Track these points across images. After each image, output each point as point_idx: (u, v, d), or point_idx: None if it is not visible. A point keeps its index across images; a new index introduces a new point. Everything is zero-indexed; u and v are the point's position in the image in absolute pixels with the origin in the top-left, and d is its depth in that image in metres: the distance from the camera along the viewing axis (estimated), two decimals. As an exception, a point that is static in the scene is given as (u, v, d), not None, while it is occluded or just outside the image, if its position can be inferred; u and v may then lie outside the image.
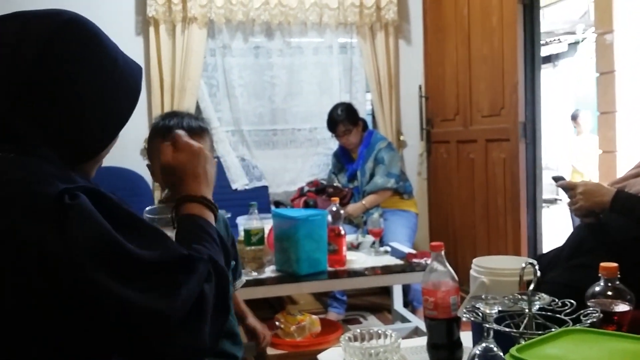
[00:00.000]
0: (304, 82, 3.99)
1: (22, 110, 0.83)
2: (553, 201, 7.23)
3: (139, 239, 0.80)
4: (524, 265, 1.05)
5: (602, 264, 1.06)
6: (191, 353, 0.81)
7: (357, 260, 2.53)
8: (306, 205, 3.47)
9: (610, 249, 1.56)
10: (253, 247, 2.25)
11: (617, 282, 1.06)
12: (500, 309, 0.97)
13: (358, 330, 1.29)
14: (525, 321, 0.97)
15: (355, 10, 3.89)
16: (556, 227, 4.31)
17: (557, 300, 1.00)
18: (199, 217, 0.99)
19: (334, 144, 3.75)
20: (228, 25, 3.78)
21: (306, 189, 3.67)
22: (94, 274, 0.73)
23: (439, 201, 3.88)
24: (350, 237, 2.74)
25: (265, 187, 3.91)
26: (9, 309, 0.74)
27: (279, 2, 3.78)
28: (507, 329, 0.95)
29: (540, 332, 0.94)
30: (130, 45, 3.52)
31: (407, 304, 3.13)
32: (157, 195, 3.62)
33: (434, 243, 1.29)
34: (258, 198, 3.56)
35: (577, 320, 0.95)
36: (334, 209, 2.49)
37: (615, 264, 1.07)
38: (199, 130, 1.42)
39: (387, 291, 3.28)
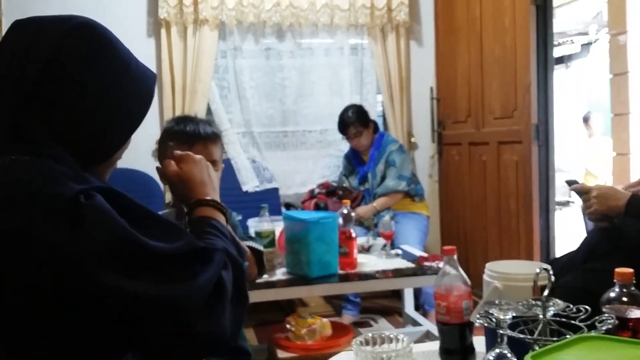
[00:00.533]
0: (315, 83, 3.98)
1: (35, 113, 0.84)
2: (565, 203, 7.17)
3: (156, 234, 0.81)
4: (538, 270, 1.03)
5: (618, 270, 1.04)
6: (212, 341, 0.82)
7: (368, 263, 2.52)
8: (317, 207, 3.47)
9: (624, 254, 1.54)
10: (264, 249, 2.25)
11: (633, 288, 1.05)
12: (514, 314, 0.96)
13: (370, 335, 1.28)
14: (539, 327, 0.95)
15: (366, 12, 3.89)
16: (569, 230, 4.27)
17: (571, 306, 0.99)
18: (211, 218, 1.01)
19: (344, 146, 3.74)
20: (239, 27, 3.79)
21: (317, 190, 3.66)
22: (112, 272, 0.75)
23: (451, 203, 3.86)
24: (361, 240, 2.73)
25: (276, 189, 3.91)
26: (24, 307, 0.75)
27: (290, 4, 3.78)
28: (522, 335, 0.94)
29: (554, 338, 0.93)
30: (142, 47, 3.54)
31: (418, 307, 3.12)
32: (169, 197, 3.63)
33: (446, 247, 1.28)
34: (269, 200, 3.57)
35: (592, 327, 0.94)
36: (345, 211, 2.49)
37: (630, 270, 1.05)
38: (214, 136, 1.42)
39: (398, 294, 3.27)
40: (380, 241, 2.73)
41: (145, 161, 3.59)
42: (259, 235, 2.29)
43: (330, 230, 2.34)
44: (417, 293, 3.12)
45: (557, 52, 7.16)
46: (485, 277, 1.22)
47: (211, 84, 3.76)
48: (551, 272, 1.03)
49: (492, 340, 1.03)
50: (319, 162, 4.02)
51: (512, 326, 0.97)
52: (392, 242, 2.72)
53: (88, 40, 0.89)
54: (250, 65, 3.87)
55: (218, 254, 0.87)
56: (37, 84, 0.84)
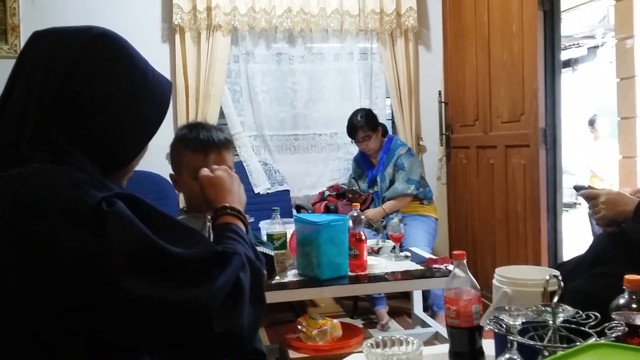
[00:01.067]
0: (325, 87, 4.03)
1: (56, 122, 0.86)
2: (572, 205, 7.18)
3: (176, 239, 0.83)
4: (548, 277, 1.07)
5: (627, 277, 1.04)
6: (229, 341, 0.83)
7: (378, 265, 2.56)
8: (327, 210, 3.52)
9: (632, 258, 1.56)
10: (275, 251, 2.30)
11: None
12: (524, 320, 0.99)
13: (380, 337, 1.29)
14: (549, 334, 0.97)
15: (375, 17, 3.93)
16: (576, 232, 4.29)
17: (581, 312, 1.00)
18: (234, 224, 1.06)
19: (354, 149, 3.79)
20: (251, 33, 3.84)
21: (327, 193, 3.71)
22: (135, 277, 0.76)
23: (459, 206, 3.90)
24: (370, 242, 2.77)
25: (287, 191, 3.96)
26: (50, 312, 0.76)
27: (301, 10, 3.83)
28: (532, 342, 0.96)
29: (564, 345, 0.95)
30: (156, 52, 3.60)
31: (426, 308, 3.16)
32: (182, 198, 3.68)
33: (456, 252, 1.30)
34: (280, 202, 3.62)
35: (601, 333, 0.95)
36: (355, 214, 2.53)
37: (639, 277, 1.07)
38: (227, 143, 1.45)
39: (406, 295, 3.31)
40: (390, 243, 2.77)
41: (159, 164, 3.64)
42: (270, 237, 2.34)
43: (340, 233, 2.37)
44: (426, 294, 3.16)
45: (563, 56, 7.14)
46: (494, 282, 1.25)
47: (224, 88, 3.82)
48: (560, 278, 1.06)
49: (502, 346, 1.05)
50: (329, 165, 4.07)
51: (522, 332, 0.99)
52: (401, 245, 2.77)
53: (107, 50, 0.92)
54: (262, 70, 3.92)
55: (237, 257, 0.89)
56: (58, 94, 0.86)
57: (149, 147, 1.04)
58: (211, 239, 1.08)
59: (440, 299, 3.25)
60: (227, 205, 1.10)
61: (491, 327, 1.02)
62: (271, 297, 2.20)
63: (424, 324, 2.88)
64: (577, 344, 0.94)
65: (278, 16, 3.81)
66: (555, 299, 1.01)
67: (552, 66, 3.02)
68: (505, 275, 1.22)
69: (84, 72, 0.88)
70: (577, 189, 1.84)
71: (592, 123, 6.41)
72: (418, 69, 4.09)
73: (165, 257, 0.80)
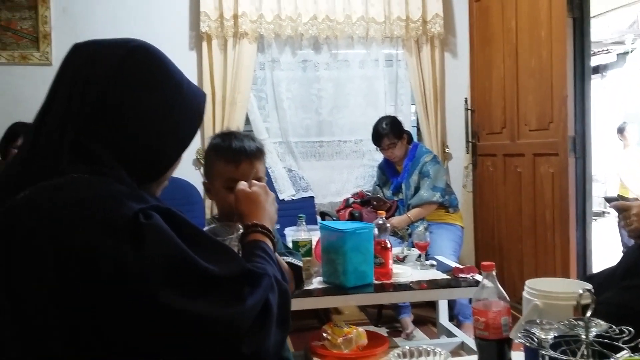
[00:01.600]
0: (350, 94, 4.04)
1: (94, 133, 0.87)
2: (601, 214, 7.06)
3: (208, 255, 0.83)
4: (581, 291, 1.05)
5: None
6: None
7: (403, 273, 2.54)
8: (351, 217, 3.51)
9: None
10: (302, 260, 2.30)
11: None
12: (555, 334, 0.98)
13: (407, 347, 1.27)
14: (582, 348, 0.96)
15: (401, 24, 3.93)
16: (605, 242, 4.21)
17: (614, 327, 0.99)
18: (263, 242, 1.07)
19: (379, 156, 3.78)
20: (277, 40, 3.87)
21: (351, 200, 3.71)
22: (167, 292, 0.77)
23: (485, 215, 3.86)
24: (395, 250, 2.76)
25: (312, 198, 3.97)
26: (77, 325, 0.76)
27: (326, 17, 3.85)
28: (564, 356, 0.95)
29: None
30: (184, 60, 3.65)
31: (452, 317, 3.13)
32: (208, 204, 3.73)
33: (485, 263, 1.29)
34: (304, 208, 3.63)
35: (635, 349, 0.94)
36: (380, 222, 2.52)
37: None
38: (258, 153, 1.45)
39: (431, 304, 3.28)
40: (415, 252, 2.75)
41: (187, 170, 3.70)
42: (296, 244, 2.34)
43: (366, 241, 2.37)
44: (452, 304, 3.13)
45: (592, 62, 7.05)
46: (524, 294, 1.24)
47: (250, 95, 3.85)
48: (593, 292, 1.04)
49: (532, 359, 1.05)
50: (354, 172, 4.07)
51: (554, 346, 0.98)
52: (426, 253, 2.75)
53: (144, 63, 0.93)
54: (288, 77, 3.95)
55: (266, 278, 0.89)
56: (96, 107, 0.87)
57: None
58: (239, 250, 1.10)
59: (466, 309, 3.22)
60: (258, 223, 1.12)
61: (522, 340, 1.01)
62: (296, 304, 2.21)
63: (450, 334, 2.85)
64: (611, 359, 0.92)
65: (304, 23, 3.83)
66: (589, 313, 0.99)
67: (582, 73, 2.98)
68: (536, 288, 1.21)
69: (121, 85, 0.90)
70: (609, 200, 1.82)
71: (621, 131, 6.30)
72: (444, 76, 4.07)
73: (199, 273, 0.81)
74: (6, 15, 3.69)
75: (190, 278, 0.80)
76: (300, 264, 1.46)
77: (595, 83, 7.82)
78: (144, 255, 0.77)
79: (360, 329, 2.41)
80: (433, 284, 2.44)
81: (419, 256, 2.70)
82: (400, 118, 3.63)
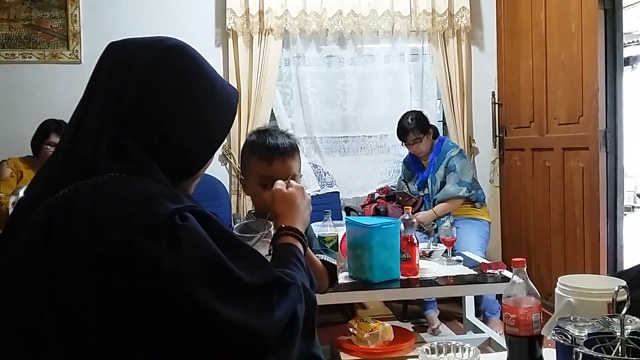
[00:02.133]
0: (375, 89, 4.03)
1: (131, 132, 0.88)
2: (631, 209, 6.92)
3: (239, 260, 0.84)
4: (617, 288, 1.03)
5: None
6: None
7: (430, 269, 2.53)
8: (377, 212, 3.51)
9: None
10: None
11: None
12: (590, 331, 0.97)
13: (435, 343, 1.28)
14: (617, 346, 0.95)
15: (427, 18, 3.89)
16: (636, 237, 4.12)
17: None
18: (295, 247, 1.08)
19: (404, 151, 3.76)
20: (302, 36, 3.88)
21: (376, 195, 3.70)
22: (204, 293, 0.77)
23: (512, 210, 3.81)
24: (422, 246, 2.74)
25: (337, 193, 3.97)
26: (114, 322, 0.77)
27: (351, 12, 3.84)
28: (599, 354, 0.94)
29: (633, 357, 0.93)
30: (210, 56, 3.63)
31: (478, 313, 3.11)
32: (234, 200, 3.77)
33: (515, 259, 1.28)
34: (329, 204, 3.63)
35: None
36: (407, 217, 2.51)
37: None
38: (292, 150, 1.45)
39: (458, 299, 3.26)
40: (441, 247, 2.74)
41: (213, 165, 3.71)
42: (322, 239, 2.34)
43: (392, 236, 2.36)
44: (478, 299, 3.11)
45: (623, 54, 6.89)
46: (557, 291, 1.23)
47: (275, 91, 3.86)
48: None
49: (565, 357, 1.03)
50: (379, 167, 4.07)
51: (588, 343, 0.97)
52: (452, 248, 2.73)
53: (179, 62, 0.93)
54: (312, 73, 3.96)
55: (295, 288, 0.89)
56: (133, 106, 0.88)
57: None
58: (270, 250, 1.11)
59: (493, 304, 3.19)
60: (292, 226, 1.12)
61: (556, 337, 0.99)
62: (322, 299, 2.20)
63: (477, 330, 2.83)
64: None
65: (329, 19, 3.83)
66: (624, 310, 0.98)
67: (614, 66, 2.92)
68: (569, 285, 1.19)
69: (157, 84, 0.91)
70: (640, 195, 1.77)
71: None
72: (471, 70, 4.03)
73: (233, 278, 0.81)
74: (37, 14, 3.76)
75: (224, 282, 0.80)
76: (334, 262, 1.46)
77: (625, 75, 7.65)
78: (180, 255, 0.78)
79: (387, 324, 2.41)
80: (460, 280, 2.43)
81: (446, 251, 2.69)
82: (425, 112, 3.60)
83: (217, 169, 3.75)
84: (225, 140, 3.77)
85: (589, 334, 0.97)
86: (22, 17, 3.75)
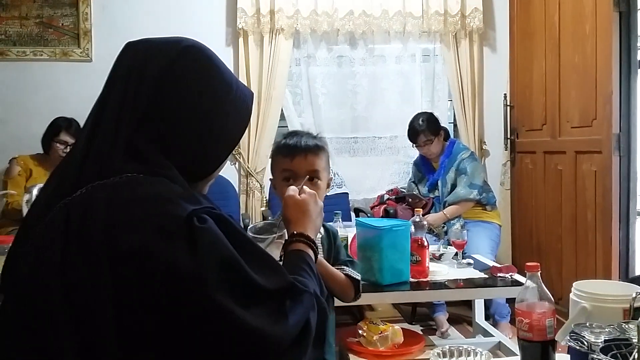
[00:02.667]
0: (386, 90, 4.01)
1: (147, 133, 0.88)
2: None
3: (254, 264, 0.83)
4: (634, 294, 1.02)
5: None
6: None
7: (440, 271, 2.51)
8: (386, 213, 3.49)
9: None
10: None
11: None
12: (606, 338, 0.95)
13: (447, 347, 1.27)
14: (634, 353, 0.93)
15: (439, 19, 3.87)
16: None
17: None
18: (306, 254, 1.07)
19: (414, 152, 3.74)
20: (313, 36, 3.87)
21: (386, 197, 3.69)
22: (217, 295, 0.77)
23: (523, 213, 3.78)
24: (432, 248, 2.73)
25: (346, 194, 3.95)
26: (130, 322, 0.77)
27: (363, 12, 3.83)
28: None
29: None
30: (220, 55, 3.64)
31: (488, 316, 3.08)
32: (243, 199, 3.77)
33: (530, 263, 1.26)
34: (339, 204, 3.62)
35: None
36: (417, 219, 2.49)
37: None
38: (316, 148, 1.45)
39: (467, 302, 3.24)
40: (452, 250, 2.72)
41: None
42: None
43: (402, 238, 2.34)
44: (488, 303, 3.09)
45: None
46: (572, 296, 1.21)
47: (285, 90, 3.86)
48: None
49: None
50: (389, 168, 4.05)
51: (604, 349, 0.96)
52: (463, 251, 2.71)
53: (195, 63, 0.93)
54: (323, 73, 3.95)
55: (308, 296, 0.89)
56: (149, 107, 0.88)
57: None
58: (281, 255, 1.10)
59: (503, 308, 3.17)
60: (303, 233, 1.11)
61: (571, 343, 0.98)
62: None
63: (486, 333, 2.80)
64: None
65: (340, 19, 3.82)
66: (642, 317, 0.96)
67: (628, 69, 2.88)
68: (585, 290, 1.18)
69: (173, 84, 0.90)
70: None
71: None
72: (482, 71, 4.00)
73: (249, 283, 0.81)
74: (48, 12, 3.78)
75: (241, 286, 0.80)
76: (358, 277, 1.49)
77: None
78: (198, 257, 0.78)
79: (397, 326, 2.40)
80: (470, 283, 2.41)
81: (456, 254, 2.67)
82: (436, 114, 3.58)
83: (226, 169, 3.72)
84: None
85: (605, 341, 0.96)
86: (34, 15, 3.77)
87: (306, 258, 1.05)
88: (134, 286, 0.77)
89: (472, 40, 3.93)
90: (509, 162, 3.93)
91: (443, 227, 3.36)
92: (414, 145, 3.50)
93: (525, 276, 2.36)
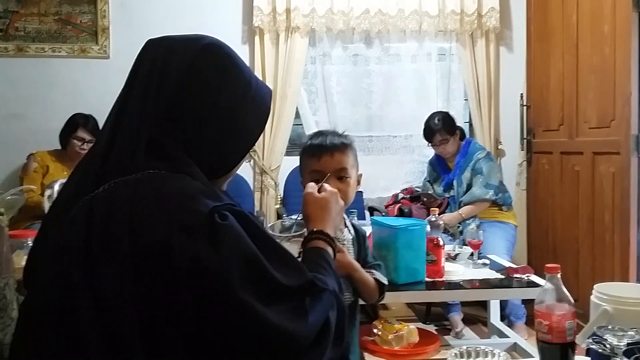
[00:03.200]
0: (401, 89, 4.00)
1: (169, 131, 0.88)
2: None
3: (275, 261, 0.84)
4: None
5: None
6: None
7: (455, 271, 2.50)
8: (401, 212, 3.48)
9: None
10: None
11: None
12: (629, 341, 0.95)
13: (465, 347, 1.26)
14: None
15: (455, 18, 3.85)
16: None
17: None
18: (325, 251, 1.07)
19: (429, 152, 3.73)
20: (329, 34, 3.87)
21: (400, 196, 3.68)
22: (240, 292, 0.77)
23: (539, 214, 3.76)
24: (447, 248, 2.72)
25: (360, 193, 3.94)
26: (153, 317, 0.77)
27: (379, 11, 3.82)
28: None
29: None
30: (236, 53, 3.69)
31: (503, 317, 3.07)
32: (257, 197, 3.78)
33: (550, 265, 1.25)
34: (353, 203, 3.57)
35: None
36: (433, 219, 2.49)
37: None
38: (342, 146, 1.46)
39: (482, 303, 3.23)
40: (467, 250, 2.71)
41: (236, 162, 3.74)
42: (348, 239, 2.34)
43: (418, 238, 2.34)
44: (503, 303, 3.07)
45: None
46: (593, 298, 1.20)
47: (300, 89, 3.86)
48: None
49: None
50: (403, 167, 4.04)
51: (626, 353, 0.95)
52: (478, 252, 2.70)
53: (216, 61, 0.93)
54: (338, 71, 3.94)
55: (328, 294, 0.89)
56: (171, 104, 0.89)
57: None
58: (300, 253, 1.11)
59: (518, 309, 3.15)
60: (323, 230, 1.12)
61: (593, 346, 0.97)
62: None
63: (501, 334, 2.80)
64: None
65: (356, 17, 3.81)
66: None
67: (647, 69, 2.85)
68: (606, 293, 1.16)
69: (194, 83, 0.91)
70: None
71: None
72: (498, 71, 3.98)
73: (271, 280, 0.82)
74: (67, 9, 3.81)
75: (262, 283, 0.80)
76: (386, 282, 1.52)
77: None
78: (220, 253, 0.78)
79: (412, 326, 2.40)
80: (486, 284, 2.40)
81: (472, 254, 2.66)
82: (451, 113, 3.57)
83: (242, 167, 3.76)
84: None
85: (628, 344, 0.95)
86: (52, 12, 3.80)
87: (325, 255, 1.05)
88: (157, 281, 0.77)
89: (489, 39, 3.91)
90: (525, 162, 3.91)
91: (458, 227, 3.35)
92: (430, 144, 3.49)
93: (540, 277, 2.35)
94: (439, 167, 3.59)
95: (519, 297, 2.82)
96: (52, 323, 0.79)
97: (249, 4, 3.79)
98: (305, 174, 1.49)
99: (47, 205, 2.22)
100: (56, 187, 2.13)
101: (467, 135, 3.78)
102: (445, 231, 3.29)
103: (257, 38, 3.77)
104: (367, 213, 3.76)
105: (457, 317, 3.24)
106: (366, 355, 2.28)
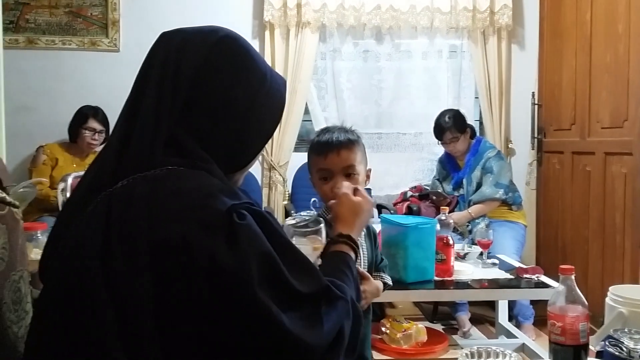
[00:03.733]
0: (411, 86, 3.98)
1: (186, 126, 0.87)
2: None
3: (290, 264, 0.83)
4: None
5: None
6: None
7: (465, 271, 2.48)
8: (409, 211, 3.47)
9: None
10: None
11: None
12: (647, 345, 0.93)
13: (475, 347, 1.25)
14: None
15: (467, 15, 3.83)
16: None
17: None
18: (349, 256, 1.06)
19: (438, 150, 3.71)
20: (339, 30, 3.85)
21: (409, 193, 3.66)
22: (259, 292, 0.76)
23: (549, 214, 3.73)
24: (456, 247, 2.70)
25: (369, 190, 3.93)
26: (170, 314, 0.77)
27: (390, 7, 3.80)
28: None
29: None
30: (247, 48, 3.68)
31: (511, 317, 3.05)
32: (266, 192, 3.78)
33: (563, 266, 1.24)
34: (361, 201, 3.60)
35: None
36: (443, 217, 2.47)
37: None
38: (348, 143, 1.44)
39: (490, 303, 3.21)
40: (477, 249, 2.69)
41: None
42: (356, 237, 2.33)
43: (428, 236, 2.32)
44: (511, 304, 3.05)
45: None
46: (608, 301, 1.19)
47: (310, 84, 3.85)
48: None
49: None
50: (412, 165, 4.02)
51: (644, 356, 0.94)
52: (487, 251, 2.67)
53: (231, 54, 0.92)
54: (348, 67, 3.93)
55: (343, 303, 0.88)
56: (187, 99, 0.88)
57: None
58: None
59: (527, 309, 3.13)
60: (351, 235, 1.11)
61: (610, 349, 0.96)
62: (355, 297, 2.20)
63: (509, 335, 2.77)
64: None
65: (367, 13, 3.79)
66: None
67: (662, 70, 2.82)
68: (622, 295, 1.15)
69: (210, 77, 0.90)
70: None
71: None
72: (510, 69, 3.95)
73: (286, 284, 0.81)
74: (77, 2, 3.81)
75: (278, 285, 0.80)
76: (390, 283, 1.59)
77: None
78: (238, 252, 0.77)
79: (420, 325, 2.38)
80: (495, 284, 2.38)
81: (481, 254, 2.64)
82: (462, 111, 3.54)
83: (250, 162, 3.76)
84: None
85: (645, 348, 0.93)
86: (63, 4, 3.80)
87: (348, 261, 1.05)
88: (174, 278, 0.76)
89: (501, 37, 3.88)
90: (535, 161, 3.88)
91: (467, 226, 3.33)
92: (440, 142, 3.46)
93: (550, 278, 2.33)
94: (449, 166, 3.57)
95: (529, 297, 2.80)
96: (69, 319, 0.79)
97: (260, -2, 3.78)
98: (313, 172, 1.48)
99: (60, 199, 2.21)
100: (70, 180, 2.11)
101: (478, 134, 3.76)
102: (455, 230, 3.27)
103: (267, 33, 3.76)
104: (375, 211, 3.75)
105: (464, 316, 3.22)
106: (374, 353, 2.26)
